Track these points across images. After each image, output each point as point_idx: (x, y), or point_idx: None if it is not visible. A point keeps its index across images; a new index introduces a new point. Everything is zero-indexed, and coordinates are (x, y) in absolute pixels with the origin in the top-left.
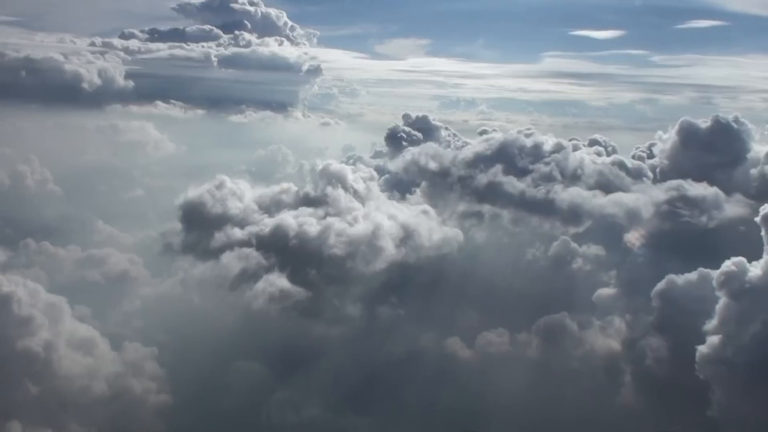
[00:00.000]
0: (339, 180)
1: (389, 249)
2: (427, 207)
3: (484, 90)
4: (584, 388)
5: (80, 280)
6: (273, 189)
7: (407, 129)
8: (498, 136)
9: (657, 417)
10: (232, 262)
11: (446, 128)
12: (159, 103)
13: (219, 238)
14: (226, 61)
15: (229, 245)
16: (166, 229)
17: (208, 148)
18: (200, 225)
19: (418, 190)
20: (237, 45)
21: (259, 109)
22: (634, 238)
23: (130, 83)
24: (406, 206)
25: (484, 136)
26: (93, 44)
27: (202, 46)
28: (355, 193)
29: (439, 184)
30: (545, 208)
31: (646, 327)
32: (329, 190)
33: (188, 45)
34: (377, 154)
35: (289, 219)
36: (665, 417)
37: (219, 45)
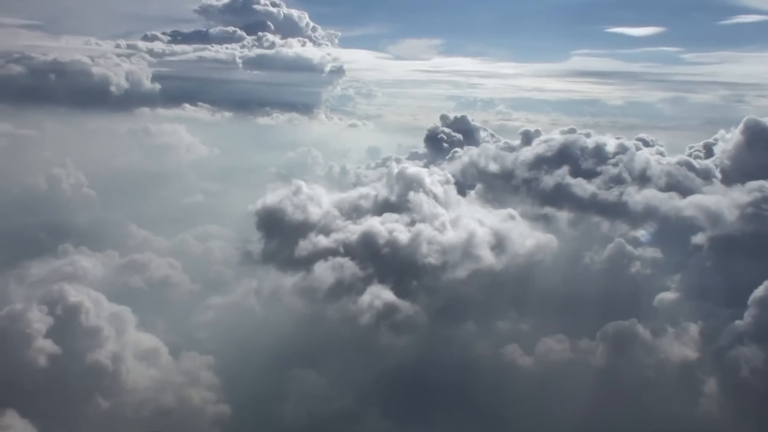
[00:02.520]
0: (417, 184)
1: (487, 257)
2: (512, 212)
3: (500, 90)
4: (660, 398)
5: (123, 286)
6: (351, 194)
7: (447, 130)
8: (558, 137)
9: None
10: (325, 271)
11: (484, 129)
12: (186, 105)
13: (304, 246)
14: (250, 63)
15: (317, 253)
16: (218, 234)
17: (240, 150)
18: (281, 232)
19: (472, 193)
20: (261, 46)
21: (285, 110)
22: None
23: (157, 86)
24: (490, 211)
25: (542, 138)
26: (118, 46)
27: (226, 48)
28: (435, 198)
29: (499, 186)
30: (616, 210)
31: (733, 335)
32: (411, 195)
33: (212, 47)
34: (413, 156)
35: (377, 226)
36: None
37: (243, 46)
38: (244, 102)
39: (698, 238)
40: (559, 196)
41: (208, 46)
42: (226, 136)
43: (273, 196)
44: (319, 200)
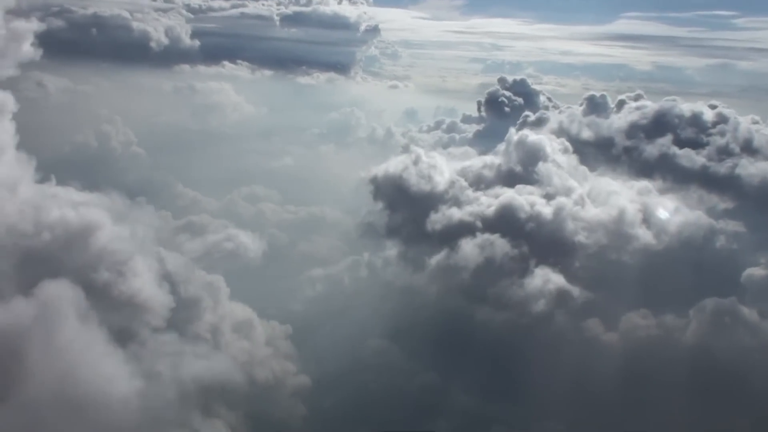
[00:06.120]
0: (542, 153)
1: (645, 237)
2: (647, 184)
3: (525, 53)
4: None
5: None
6: (474, 162)
7: (507, 93)
8: (651, 104)
9: None
10: (471, 248)
11: (542, 93)
12: (226, 63)
13: (436, 219)
14: (287, 20)
15: (453, 228)
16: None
17: (283, 110)
18: (406, 203)
19: None
20: (297, 3)
21: (323, 70)
22: None
23: (196, 42)
24: (625, 183)
25: (633, 104)
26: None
27: (263, 4)
28: (559, 168)
29: (590, 154)
30: (724, 183)
31: None
32: (540, 165)
33: (249, 3)
34: (467, 119)
35: (518, 198)
36: None
37: (279, 3)
38: (282, 60)
39: None
40: (663, 167)
41: (245, 2)
42: (269, 95)
43: (393, 164)
44: (441, 169)
